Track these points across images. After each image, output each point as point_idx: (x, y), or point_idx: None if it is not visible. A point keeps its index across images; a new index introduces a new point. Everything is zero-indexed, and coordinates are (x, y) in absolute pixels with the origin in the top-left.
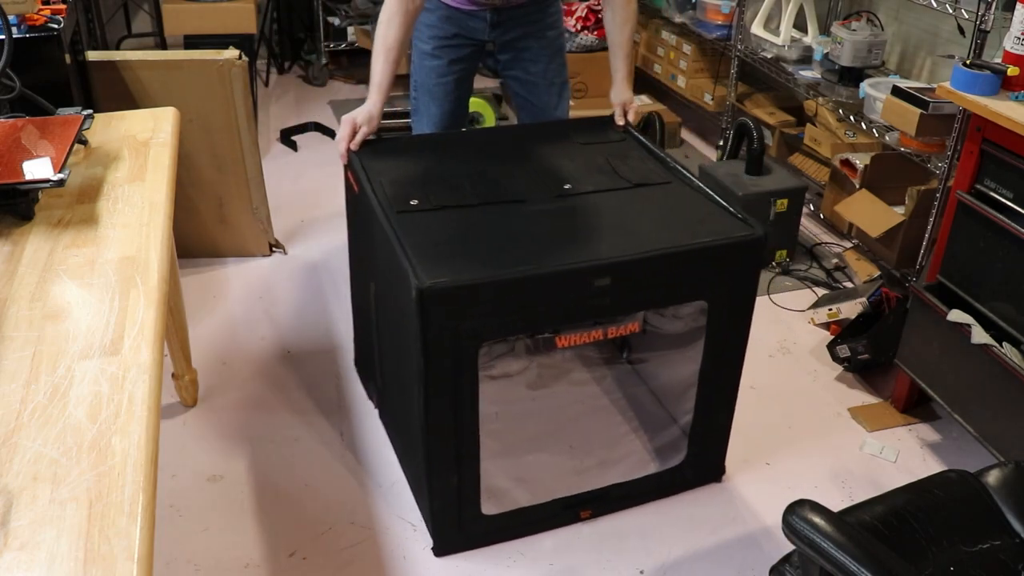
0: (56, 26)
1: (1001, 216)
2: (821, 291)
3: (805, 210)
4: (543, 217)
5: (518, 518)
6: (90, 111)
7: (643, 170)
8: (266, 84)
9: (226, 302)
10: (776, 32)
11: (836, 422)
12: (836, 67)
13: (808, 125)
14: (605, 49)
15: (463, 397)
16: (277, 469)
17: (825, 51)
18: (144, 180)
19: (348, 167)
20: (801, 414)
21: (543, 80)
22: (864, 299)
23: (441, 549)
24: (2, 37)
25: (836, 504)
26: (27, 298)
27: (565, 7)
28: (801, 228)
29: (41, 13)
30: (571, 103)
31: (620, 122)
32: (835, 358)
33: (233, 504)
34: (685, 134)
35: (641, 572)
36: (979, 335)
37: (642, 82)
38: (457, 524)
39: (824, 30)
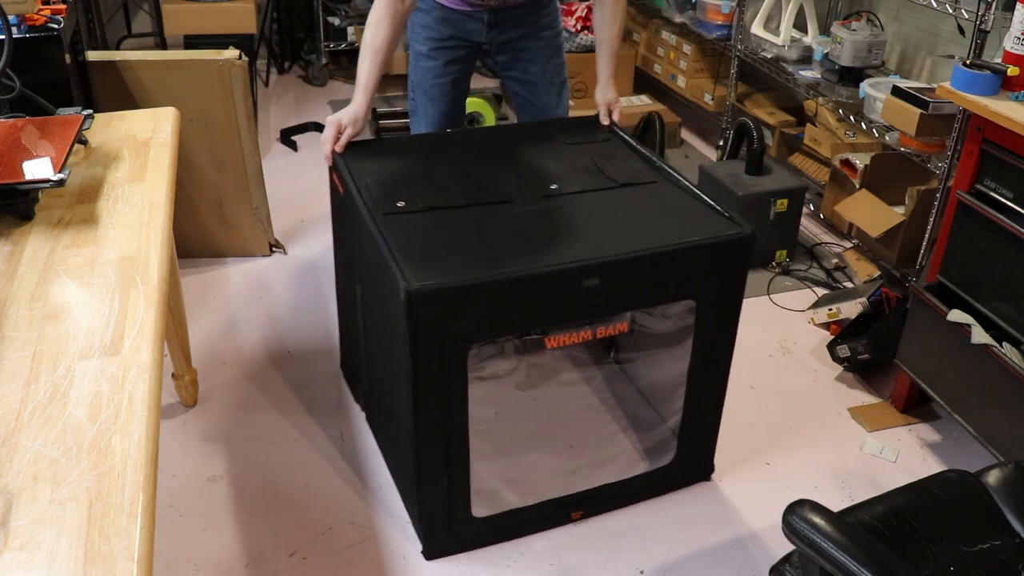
0: (56, 26)
1: (1001, 216)
2: (821, 291)
3: (805, 210)
4: (530, 218)
5: (509, 520)
6: (90, 111)
7: (629, 170)
8: (266, 84)
9: (226, 302)
10: (776, 32)
11: (836, 422)
12: (836, 67)
13: (808, 125)
14: None
15: (452, 399)
16: (277, 469)
17: (825, 51)
18: (144, 180)
19: (333, 169)
20: (801, 414)
21: (542, 80)
22: (864, 299)
23: (431, 552)
24: (2, 37)
25: (836, 504)
26: (27, 298)
27: (565, 7)
28: (801, 228)
29: (41, 13)
30: (571, 103)
31: (605, 122)
32: (835, 358)
33: (233, 504)
34: (685, 134)
35: (641, 572)
36: (979, 335)
37: (642, 82)
38: (447, 527)
39: (824, 30)
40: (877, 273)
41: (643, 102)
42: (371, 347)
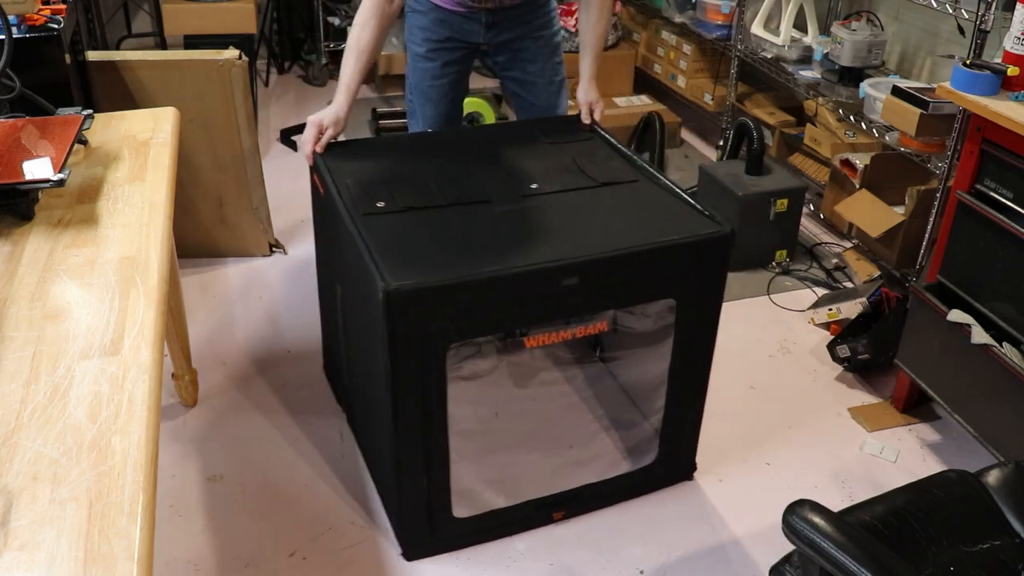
0: (56, 26)
1: (1001, 216)
2: (821, 291)
3: (805, 210)
4: (510, 217)
5: (490, 520)
6: (90, 111)
7: (610, 169)
8: (266, 84)
9: (226, 302)
10: (776, 32)
11: (836, 422)
12: (836, 67)
13: (808, 125)
14: (605, 49)
15: (432, 399)
16: (277, 469)
17: (825, 51)
18: (144, 180)
19: (314, 169)
20: (801, 414)
21: (541, 79)
22: (864, 299)
23: (411, 553)
24: (2, 37)
25: (836, 504)
26: (27, 298)
27: (565, 7)
28: (801, 228)
29: (41, 13)
30: (570, 102)
31: (587, 121)
32: (835, 358)
33: (233, 504)
34: (685, 134)
35: (641, 572)
36: (979, 335)
37: (642, 82)
38: (428, 527)
39: (824, 30)
40: (877, 273)
41: (643, 102)
42: (351, 347)
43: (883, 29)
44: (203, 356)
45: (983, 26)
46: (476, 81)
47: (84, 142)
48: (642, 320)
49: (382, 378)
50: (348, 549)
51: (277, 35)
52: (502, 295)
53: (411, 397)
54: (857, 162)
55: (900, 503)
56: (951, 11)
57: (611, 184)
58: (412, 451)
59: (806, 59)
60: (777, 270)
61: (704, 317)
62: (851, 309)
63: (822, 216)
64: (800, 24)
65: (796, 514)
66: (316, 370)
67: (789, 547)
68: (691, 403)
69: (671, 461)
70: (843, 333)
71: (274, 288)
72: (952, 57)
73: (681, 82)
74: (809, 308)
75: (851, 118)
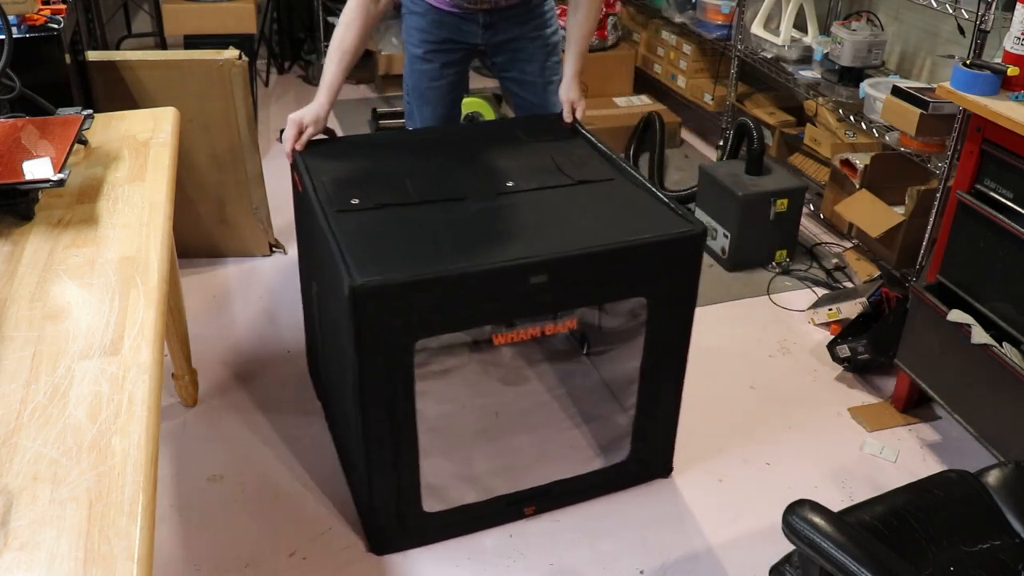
0: (56, 26)
1: (1001, 216)
2: (821, 291)
3: (805, 210)
4: (483, 215)
5: (460, 515)
6: (90, 111)
7: (587, 167)
8: (266, 84)
9: (226, 302)
10: (776, 32)
11: (836, 422)
12: (836, 67)
13: (808, 125)
14: (605, 49)
15: (399, 394)
16: (277, 469)
17: (825, 51)
18: (144, 180)
19: (293, 167)
20: (801, 414)
21: (540, 79)
22: (864, 299)
23: (379, 547)
24: (2, 37)
25: (836, 504)
26: (27, 298)
27: (564, 7)
28: (801, 228)
29: (41, 13)
30: None
31: (568, 119)
32: (835, 358)
33: (233, 504)
34: (685, 134)
35: (641, 572)
36: (979, 335)
37: (642, 82)
38: (398, 521)
39: (824, 30)
40: (877, 273)
41: (643, 102)
42: (327, 343)
43: (883, 29)
44: (203, 356)
45: (983, 26)
46: (476, 81)
47: (84, 142)
48: (624, 317)
49: (349, 372)
50: (348, 549)
51: (277, 35)
52: (469, 292)
53: (379, 392)
54: (857, 162)
55: (900, 503)
56: (951, 11)
57: (587, 182)
58: (381, 446)
59: (806, 59)
60: (777, 270)
61: (676, 316)
62: (851, 309)
63: (822, 216)
64: (800, 24)
65: (796, 514)
66: None
67: (789, 547)
68: (665, 401)
69: (645, 459)
70: (843, 333)
71: (274, 288)
72: (952, 57)
73: (681, 82)
74: (809, 308)
75: (851, 118)
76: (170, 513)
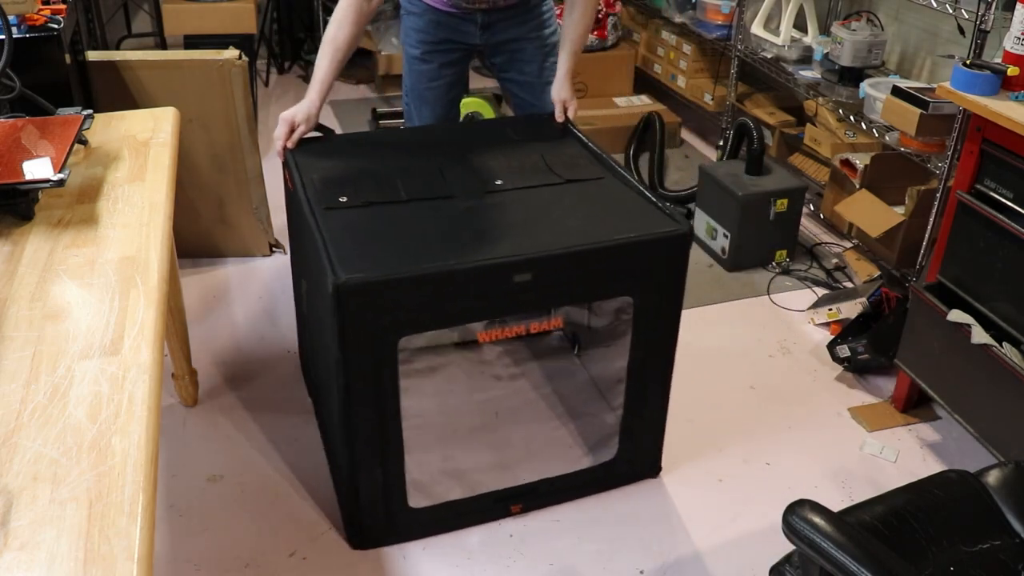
0: (56, 26)
1: (1001, 216)
2: (821, 291)
3: (805, 210)
4: (470, 213)
5: (446, 511)
6: (90, 111)
7: (577, 166)
8: (266, 84)
9: (226, 302)
10: (776, 32)
11: (836, 422)
12: (836, 67)
13: (808, 125)
14: (605, 49)
15: (384, 391)
16: (277, 469)
17: (825, 51)
18: (144, 180)
19: (285, 165)
20: (801, 414)
21: (539, 80)
22: (864, 299)
23: (362, 542)
24: (2, 37)
25: (836, 504)
26: (27, 298)
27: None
28: (801, 228)
29: (41, 13)
30: None
31: (560, 118)
32: (835, 358)
33: (233, 504)
34: (685, 134)
35: (641, 572)
36: (979, 335)
37: (642, 82)
38: (384, 517)
39: (824, 30)
40: (877, 273)
41: (643, 102)
42: (314, 340)
43: (883, 29)
44: (203, 356)
45: (983, 26)
46: (476, 81)
47: (84, 142)
48: (612, 316)
49: (334, 369)
50: (348, 549)
51: (277, 35)
52: (453, 289)
53: (363, 389)
54: (857, 162)
55: (900, 503)
56: (951, 11)
57: (576, 181)
58: (366, 443)
59: (806, 59)
60: (777, 270)
61: (663, 315)
62: (851, 309)
63: (822, 216)
64: (800, 24)
65: (796, 514)
66: None
67: (789, 547)
68: (652, 401)
69: (633, 458)
70: (843, 333)
71: (274, 288)
72: (952, 57)
73: (681, 82)
74: (809, 308)
75: (851, 118)
76: (170, 513)
